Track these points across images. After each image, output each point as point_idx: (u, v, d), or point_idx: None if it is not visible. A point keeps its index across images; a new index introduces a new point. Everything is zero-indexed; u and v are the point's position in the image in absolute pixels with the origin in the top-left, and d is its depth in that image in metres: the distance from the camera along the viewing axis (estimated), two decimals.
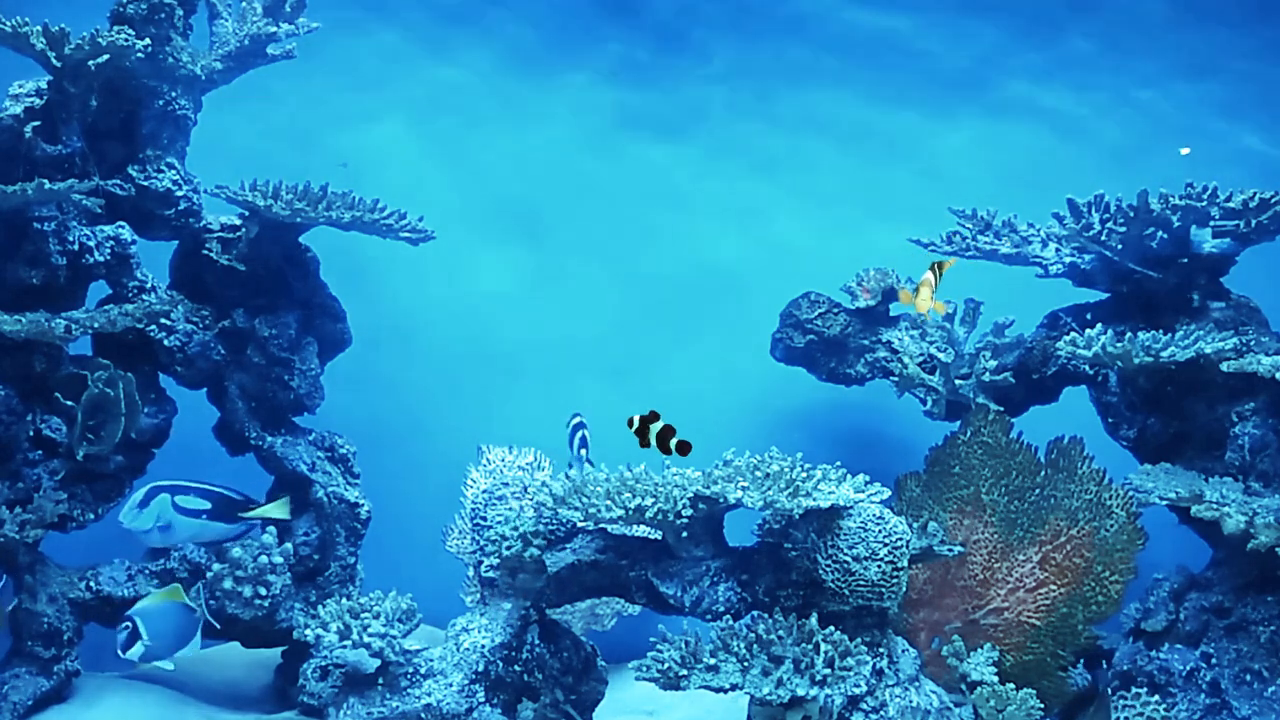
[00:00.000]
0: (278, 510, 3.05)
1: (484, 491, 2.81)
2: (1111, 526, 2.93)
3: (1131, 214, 2.98)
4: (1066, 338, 2.94)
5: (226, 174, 2.98)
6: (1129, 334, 2.86)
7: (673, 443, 2.26)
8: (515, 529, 2.47)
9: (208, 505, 2.94)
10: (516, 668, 2.52)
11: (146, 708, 2.79)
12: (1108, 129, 4.21)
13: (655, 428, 2.27)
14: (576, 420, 2.60)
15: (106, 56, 2.73)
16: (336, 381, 3.25)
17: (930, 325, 3.36)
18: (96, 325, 2.75)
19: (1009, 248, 3.29)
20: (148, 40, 2.83)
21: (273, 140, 3.80)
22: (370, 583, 3.14)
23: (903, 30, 4.23)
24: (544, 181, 4.07)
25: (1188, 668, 2.70)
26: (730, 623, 2.36)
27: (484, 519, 2.77)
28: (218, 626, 2.80)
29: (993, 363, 3.17)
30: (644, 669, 2.28)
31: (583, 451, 2.55)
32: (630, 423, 2.29)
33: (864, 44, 4.22)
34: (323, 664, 2.91)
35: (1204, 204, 2.94)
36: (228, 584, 2.85)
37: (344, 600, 2.47)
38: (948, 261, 2.83)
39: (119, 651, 2.59)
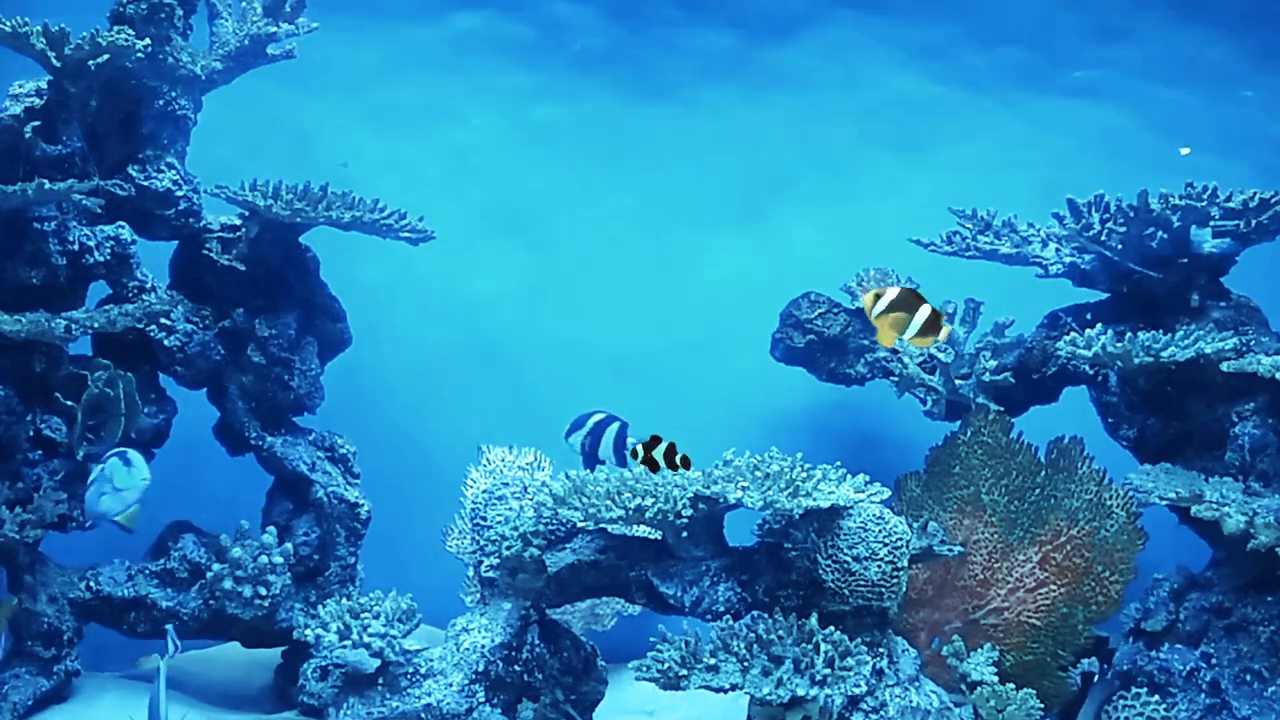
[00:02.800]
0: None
1: (484, 491, 2.81)
2: (1111, 526, 2.92)
3: (1131, 214, 2.98)
4: (1066, 338, 2.93)
5: (227, 174, 2.98)
6: (1129, 334, 2.85)
7: (678, 459, 2.31)
8: (515, 529, 2.47)
9: None
10: (516, 668, 2.52)
11: (146, 708, 2.78)
12: None
13: (659, 450, 2.30)
14: (601, 417, 2.42)
15: (106, 56, 2.73)
16: (337, 381, 3.25)
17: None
18: (96, 325, 2.75)
19: (1009, 248, 3.28)
20: (148, 40, 2.84)
21: (273, 140, 3.80)
22: (370, 583, 3.14)
23: None
24: (545, 182, 4.07)
25: (1188, 668, 2.69)
26: (730, 623, 2.36)
27: (484, 519, 2.77)
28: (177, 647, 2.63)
29: (993, 363, 3.17)
30: (644, 669, 2.28)
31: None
32: (635, 453, 2.32)
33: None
34: (323, 664, 2.91)
35: (1204, 204, 2.94)
36: (228, 584, 2.85)
37: (344, 600, 2.47)
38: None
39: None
